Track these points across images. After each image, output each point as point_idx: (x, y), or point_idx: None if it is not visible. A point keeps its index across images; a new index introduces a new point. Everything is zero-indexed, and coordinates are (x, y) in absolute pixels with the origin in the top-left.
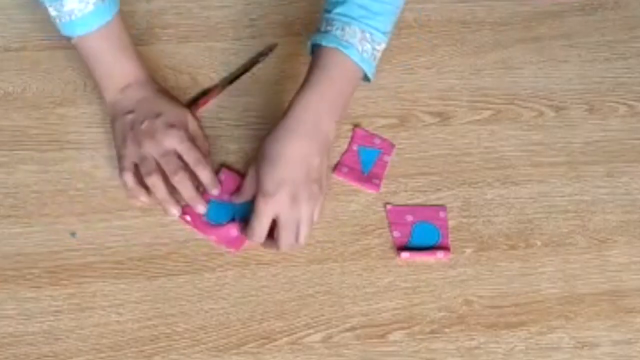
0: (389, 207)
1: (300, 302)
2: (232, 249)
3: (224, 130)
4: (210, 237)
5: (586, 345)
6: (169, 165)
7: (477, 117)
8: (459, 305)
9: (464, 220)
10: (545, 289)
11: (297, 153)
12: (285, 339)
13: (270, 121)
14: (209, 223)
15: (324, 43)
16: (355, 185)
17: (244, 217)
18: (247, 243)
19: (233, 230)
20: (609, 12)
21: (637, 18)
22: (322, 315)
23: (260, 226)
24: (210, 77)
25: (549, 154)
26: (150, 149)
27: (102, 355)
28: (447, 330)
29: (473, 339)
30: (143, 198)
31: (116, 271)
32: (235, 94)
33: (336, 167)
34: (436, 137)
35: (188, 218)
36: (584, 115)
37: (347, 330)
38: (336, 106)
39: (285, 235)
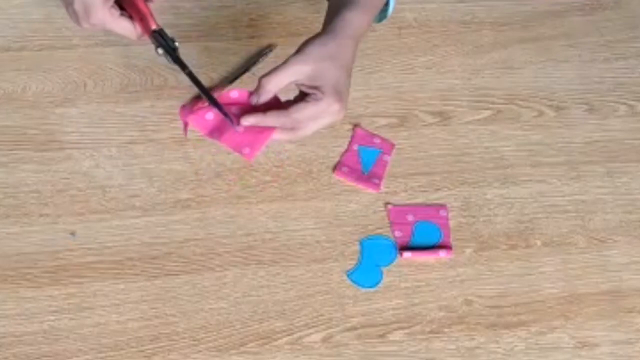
0: (389, 206)
1: (300, 302)
2: (245, 152)
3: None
4: (222, 143)
5: (586, 345)
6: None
7: (477, 117)
8: (459, 305)
9: (464, 220)
10: (545, 289)
11: (346, 64)
12: (285, 339)
13: None
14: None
15: None
16: (356, 185)
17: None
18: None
19: (240, 129)
20: (609, 12)
21: (637, 18)
22: (322, 315)
23: (284, 76)
24: (210, 77)
25: (548, 153)
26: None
27: (102, 355)
28: (447, 330)
29: (473, 339)
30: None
31: (116, 271)
32: None
33: (336, 167)
34: (436, 137)
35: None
36: (584, 115)
37: (347, 330)
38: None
39: (310, 107)
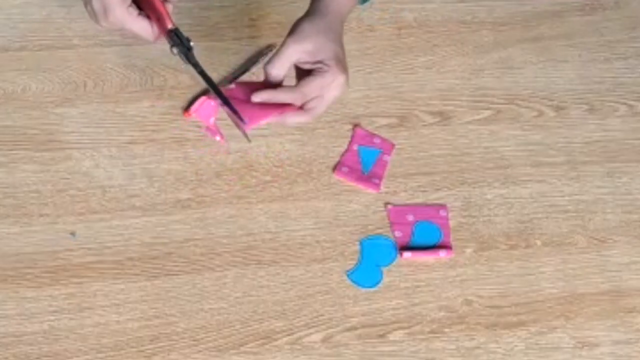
0: (389, 206)
1: (300, 302)
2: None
3: (224, 130)
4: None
5: (586, 345)
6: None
7: (477, 117)
8: (459, 305)
9: (464, 220)
10: (545, 289)
11: (338, 37)
12: (285, 339)
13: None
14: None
15: None
16: (356, 185)
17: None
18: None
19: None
20: (609, 12)
21: (637, 18)
22: (322, 315)
23: (286, 58)
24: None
25: (549, 153)
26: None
27: (102, 355)
28: (447, 330)
29: (473, 339)
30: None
31: (116, 271)
32: None
33: (336, 167)
34: (436, 137)
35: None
36: (584, 115)
37: (347, 330)
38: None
39: (319, 82)
